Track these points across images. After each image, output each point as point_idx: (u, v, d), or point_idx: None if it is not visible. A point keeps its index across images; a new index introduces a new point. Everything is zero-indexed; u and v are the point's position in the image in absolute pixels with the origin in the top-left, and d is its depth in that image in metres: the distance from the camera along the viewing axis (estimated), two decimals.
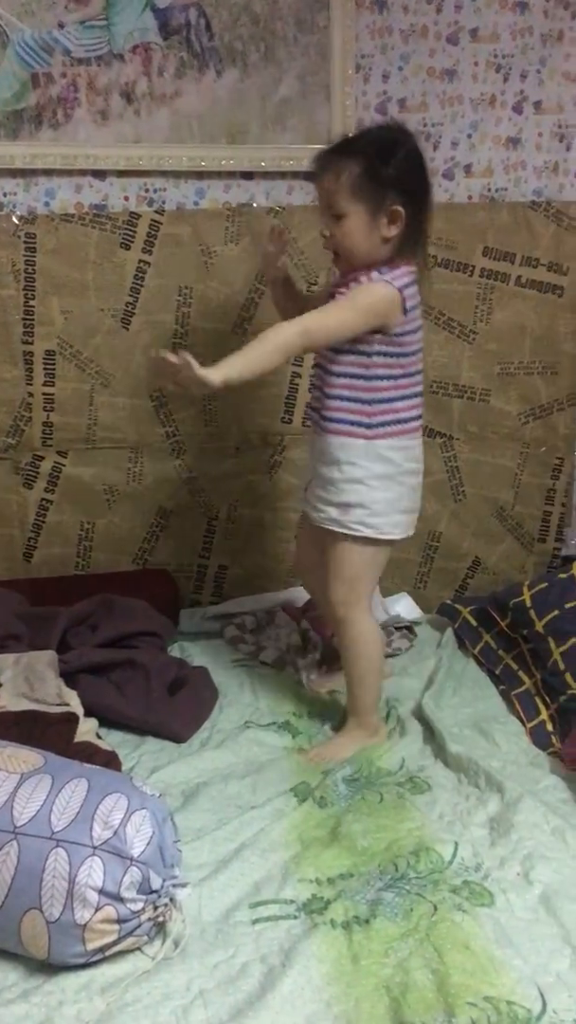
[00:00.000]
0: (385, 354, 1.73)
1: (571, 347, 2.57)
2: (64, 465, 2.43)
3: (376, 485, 1.77)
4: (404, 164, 1.69)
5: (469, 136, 2.43)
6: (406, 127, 1.76)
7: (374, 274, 1.70)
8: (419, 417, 1.81)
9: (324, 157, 1.72)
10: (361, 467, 1.77)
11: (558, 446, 2.63)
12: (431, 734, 1.89)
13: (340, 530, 1.80)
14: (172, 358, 1.55)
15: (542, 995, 1.21)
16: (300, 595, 2.51)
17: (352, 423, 1.76)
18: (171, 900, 1.31)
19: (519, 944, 1.31)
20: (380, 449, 1.76)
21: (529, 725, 1.93)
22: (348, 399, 1.76)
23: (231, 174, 2.35)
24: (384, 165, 1.67)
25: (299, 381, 2.46)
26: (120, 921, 1.25)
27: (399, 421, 1.77)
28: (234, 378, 1.58)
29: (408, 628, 2.40)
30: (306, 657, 2.24)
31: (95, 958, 1.26)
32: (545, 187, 2.50)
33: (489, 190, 2.48)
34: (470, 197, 2.47)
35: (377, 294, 1.69)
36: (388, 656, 2.19)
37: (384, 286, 1.68)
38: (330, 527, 1.82)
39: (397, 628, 2.39)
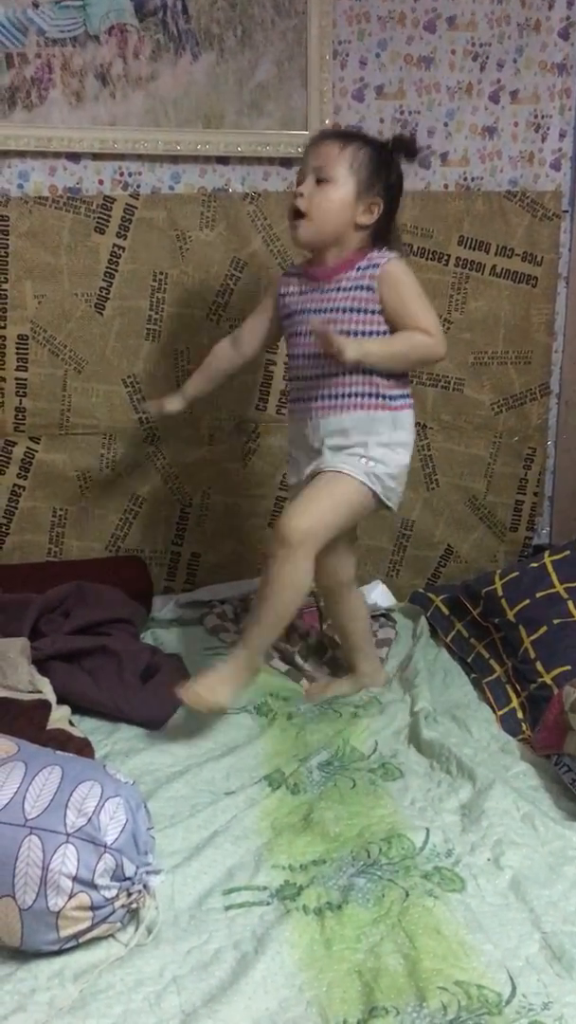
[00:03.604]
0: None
1: (544, 337, 2.59)
2: (37, 451, 2.41)
3: (401, 451, 1.83)
4: (398, 172, 1.80)
5: (446, 124, 2.43)
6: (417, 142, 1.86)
7: (372, 254, 1.76)
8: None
9: (335, 131, 1.82)
10: (387, 435, 1.81)
11: (531, 435, 2.65)
12: (407, 718, 1.91)
13: (349, 473, 1.78)
14: (317, 325, 1.71)
15: (512, 979, 1.23)
16: None
17: (374, 395, 1.79)
18: (144, 887, 1.31)
19: (489, 929, 1.32)
20: (402, 419, 1.82)
21: (500, 712, 1.95)
22: (368, 371, 1.78)
23: (207, 159, 2.34)
24: (389, 160, 1.76)
25: (273, 368, 2.46)
26: (93, 908, 1.25)
27: (406, 396, 1.84)
28: (370, 357, 1.72)
29: (386, 616, 2.41)
30: (292, 645, 2.23)
31: (68, 945, 1.26)
32: (520, 177, 2.51)
33: (465, 179, 2.48)
34: (446, 186, 2.47)
35: (404, 266, 1.77)
36: (379, 646, 2.22)
37: (395, 261, 1.77)
38: (339, 468, 1.78)
39: (374, 617, 2.38)
